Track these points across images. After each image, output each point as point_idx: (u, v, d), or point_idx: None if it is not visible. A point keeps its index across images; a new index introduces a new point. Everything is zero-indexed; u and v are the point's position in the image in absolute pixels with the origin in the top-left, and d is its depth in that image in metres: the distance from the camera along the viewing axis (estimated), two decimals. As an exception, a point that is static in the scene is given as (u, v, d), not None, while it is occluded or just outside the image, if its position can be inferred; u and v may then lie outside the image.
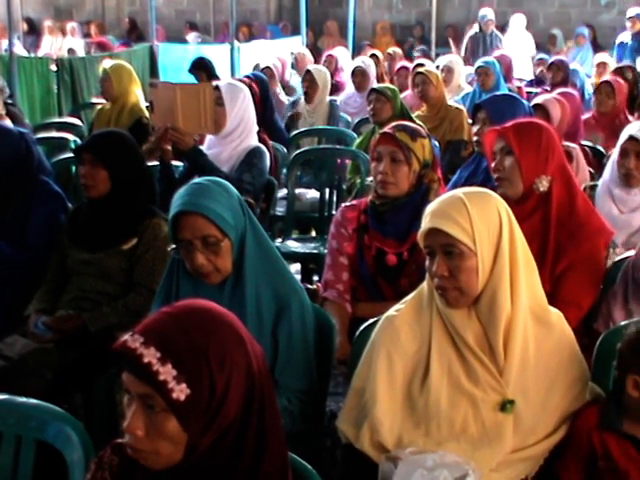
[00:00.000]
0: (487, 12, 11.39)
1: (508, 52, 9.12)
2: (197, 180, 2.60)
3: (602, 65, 8.86)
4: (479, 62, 7.61)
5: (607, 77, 6.79)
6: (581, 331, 2.78)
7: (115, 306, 3.38)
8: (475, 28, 11.40)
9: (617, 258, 3.05)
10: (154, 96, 4.36)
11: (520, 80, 8.99)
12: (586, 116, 6.31)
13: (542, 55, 10.34)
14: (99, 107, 6.40)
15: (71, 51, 11.43)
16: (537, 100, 5.17)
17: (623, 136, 3.66)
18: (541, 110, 4.84)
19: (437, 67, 7.87)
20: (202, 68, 7.57)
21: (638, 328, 2.18)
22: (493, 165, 3.12)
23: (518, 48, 11.18)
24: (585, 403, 2.24)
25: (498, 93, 5.63)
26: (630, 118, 5.77)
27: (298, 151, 5.57)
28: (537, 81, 9.06)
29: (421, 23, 14.25)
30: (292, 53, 9.86)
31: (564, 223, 2.99)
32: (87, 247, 3.46)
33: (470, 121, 5.97)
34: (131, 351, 1.52)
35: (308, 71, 6.76)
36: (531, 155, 3.02)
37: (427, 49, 11.36)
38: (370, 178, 3.37)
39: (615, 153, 3.68)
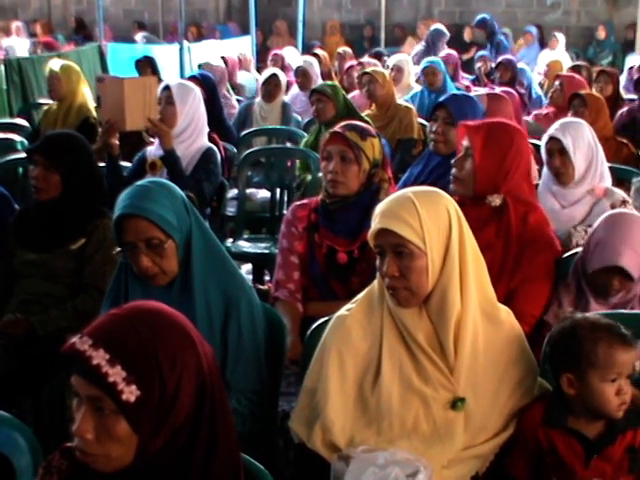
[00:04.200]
0: (441, 27, 11.40)
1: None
2: (140, 182, 2.59)
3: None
4: (424, 62, 7.62)
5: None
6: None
7: (64, 309, 3.34)
8: (421, 44, 11.38)
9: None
10: (101, 91, 4.36)
11: (463, 78, 9.04)
12: (537, 112, 6.48)
13: (483, 52, 10.39)
14: (46, 107, 6.34)
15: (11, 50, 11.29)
16: (473, 95, 5.22)
17: (545, 137, 3.73)
18: None
19: (387, 66, 7.90)
20: (148, 64, 7.61)
21: (560, 328, 2.22)
22: (454, 160, 3.15)
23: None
24: (532, 399, 2.27)
25: (458, 92, 5.65)
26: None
27: (248, 151, 5.55)
28: (477, 78, 9.13)
29: (370, 22, 14.30)
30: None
31: (518, 238, 3.02)
32: (34, 248, 3.42)
33: (421, 121, 6.06)
34: (80, 353, 1.51)
35: (275, 74, 6.79)
36: (491, 167, 3.03)
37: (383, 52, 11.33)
38: (321, 173, 3.37)
39: (543, 154, 3.74)
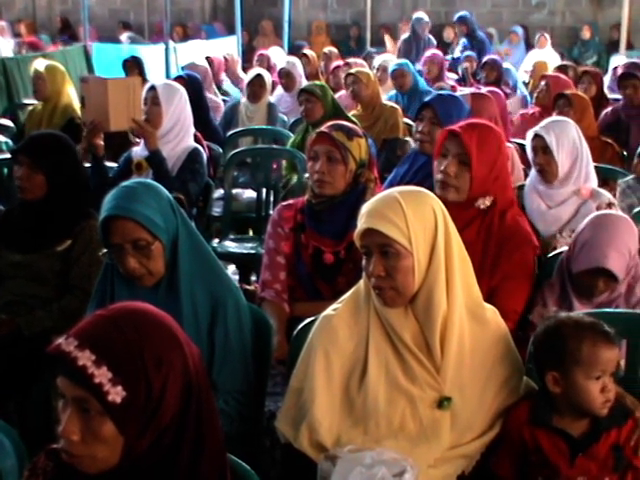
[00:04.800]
0: (422, 15, 11.43)
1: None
2: (126, 183, 2.58)
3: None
4: (392, 66, 7.52)
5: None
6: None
7: (50, 310, 3.33)
8: (408, 32, 11.41)
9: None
10: (85, 91, 4.36)
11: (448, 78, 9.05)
12: (524, 111, 6.51)
13: (469, 52, 10.42)
14: (31, 107, 6.32)
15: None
16: (458, 94, 5.22)
17: (529, 135, 3.74)
18: None
19: (373, 67, 7.89)
20: (135, 65, 7.60)
21: (545, 327, 2.24)
22: (442, 167, 3.06)
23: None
24: (518, 398, 2.27)
25: (444, 92, 5.66)
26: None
27: (234, 151, 5.55)
28: (463, 78, 9.15)
29: (356, 23, 14.32)
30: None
31: (496, 235, 3.02)
32: (19, 249, 3.41)
33: (406, 120, 6.07)
34: (65, 354, 1.50)
35: (259, 75, 6.78)
36: (485, 173, 3.02)
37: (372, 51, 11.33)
38: (307, 174, 3.37)
39: (529, 152, 3.76)
